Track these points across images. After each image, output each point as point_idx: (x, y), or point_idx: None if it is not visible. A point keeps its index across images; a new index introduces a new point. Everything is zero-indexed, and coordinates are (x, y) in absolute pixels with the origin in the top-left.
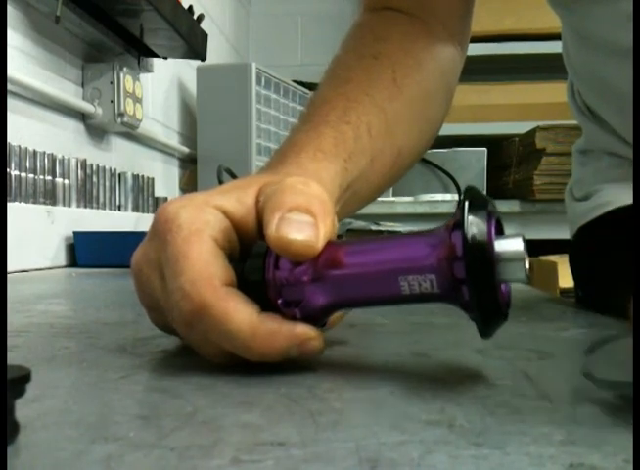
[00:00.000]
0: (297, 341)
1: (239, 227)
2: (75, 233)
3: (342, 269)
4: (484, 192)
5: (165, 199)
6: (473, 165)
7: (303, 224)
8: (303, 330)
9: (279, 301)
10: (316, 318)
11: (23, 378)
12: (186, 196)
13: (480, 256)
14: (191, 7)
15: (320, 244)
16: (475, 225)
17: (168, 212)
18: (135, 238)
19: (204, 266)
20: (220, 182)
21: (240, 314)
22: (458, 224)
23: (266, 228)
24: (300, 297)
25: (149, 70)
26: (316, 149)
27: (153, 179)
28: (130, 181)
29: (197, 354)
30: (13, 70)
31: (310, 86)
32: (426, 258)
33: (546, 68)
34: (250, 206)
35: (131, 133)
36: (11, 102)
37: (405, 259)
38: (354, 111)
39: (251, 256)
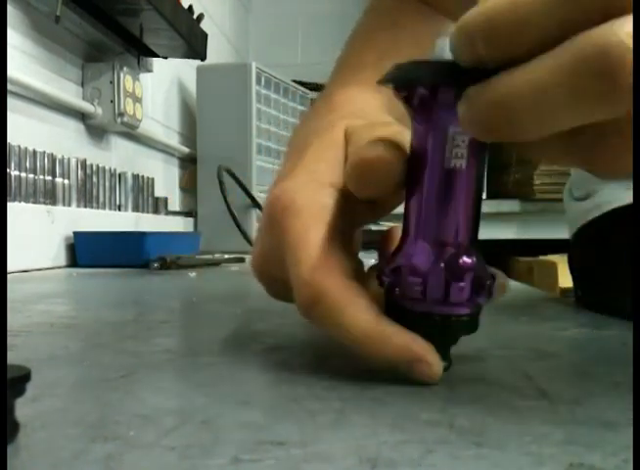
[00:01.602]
0: (408, 357)
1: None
2: (75, 233)
3: (409, 238)
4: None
5: (165, 199)
6: None
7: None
8: (420, 348)
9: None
10: (459, 277)
11: (24, 377)
12: (293, 177)
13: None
14: (191, 7)
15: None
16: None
17: (284, 200)
18: (135, 238)
19: (323, 255)
20: (220, 182)
21: (355, 308)
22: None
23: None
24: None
25: (149, 70)
26: (357, 82)
27: (153, 179)
28: (130, 181)
29: (196, 354)
30: (13, 70)
31: (310, 86)
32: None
33: None
34: None
35: (131, 133)
36: (11, 102)
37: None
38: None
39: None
